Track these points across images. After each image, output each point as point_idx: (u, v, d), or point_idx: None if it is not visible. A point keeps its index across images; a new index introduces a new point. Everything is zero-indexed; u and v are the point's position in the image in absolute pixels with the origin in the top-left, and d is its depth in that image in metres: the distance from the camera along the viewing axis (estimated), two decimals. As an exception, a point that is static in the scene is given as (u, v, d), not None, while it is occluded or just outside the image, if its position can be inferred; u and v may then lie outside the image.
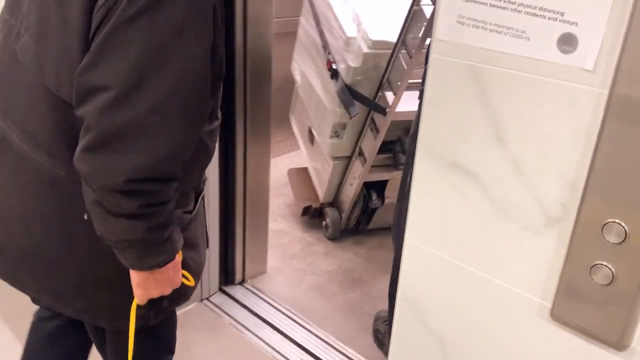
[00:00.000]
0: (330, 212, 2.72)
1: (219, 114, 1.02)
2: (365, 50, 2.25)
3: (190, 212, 1.04)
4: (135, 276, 0.94)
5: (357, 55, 2.27)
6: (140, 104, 0.77)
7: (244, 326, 2.13)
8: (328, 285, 2.44)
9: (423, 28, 2.06)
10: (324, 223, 2.78)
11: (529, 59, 0.76)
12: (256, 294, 2.33)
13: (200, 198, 1.08)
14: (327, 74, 2.43)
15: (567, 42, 0.72)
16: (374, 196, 2.65)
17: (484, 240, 0.87)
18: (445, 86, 0.85)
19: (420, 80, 2.24)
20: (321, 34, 2.46)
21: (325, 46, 2.44)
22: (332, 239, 2.75)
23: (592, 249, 0.74)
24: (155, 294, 0.97)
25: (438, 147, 0.88)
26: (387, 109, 2.26)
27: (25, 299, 1.10)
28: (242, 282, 2.39)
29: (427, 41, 2.09)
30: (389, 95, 2.29)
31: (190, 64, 0.79)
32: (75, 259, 0.96)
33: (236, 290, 2.34)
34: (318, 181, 2.75)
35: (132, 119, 0.77)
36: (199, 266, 1.11)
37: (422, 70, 2.21)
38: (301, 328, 2.15)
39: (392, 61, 2.22)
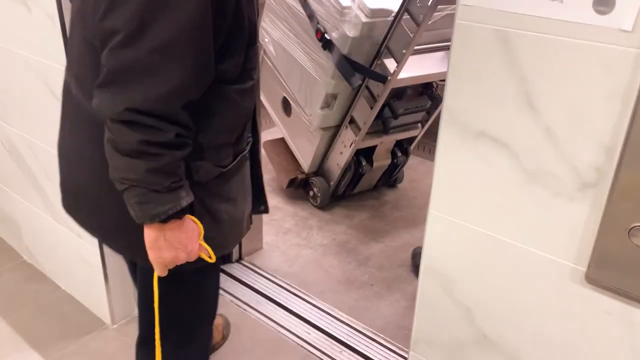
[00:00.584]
0: (317, 181, 2.71)
1: (254, 75, 1.06)
2: (364, 19, 2.20)
3: (225, 167, 1.08)
4: (146, 236, 0.98)
5: (354, 25, 2.22)
6: (143, 44, 0.85)
7: (246, 303, 2.12)
8: (325, 258, 2.44)
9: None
10: (311, 193, 2.77)
11: (562, 22, 0.74)
12: (255, 271, 2.32)
13: (240, 156, 1.12)
14: (316, 45, 2.38)
15: (604, 3, 0.71)
16: (364, 162, 2.67)
17: (514, 208, 0.86)
18: (472, 52, 0.83)
19: (422, 46, 2.21)
20: (305, 3, 2.40)
21: (312, 16, 2.37)
22: (321, 207, 2.76)
23: (631, 212, 0.74)
24: (168, 257, 1.00)
25: (464, 115, 0.87)
26: (389, 77, 2.23)
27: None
28: (239, 260, 2.37)
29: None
30: (388, 63, 2.26)
31: (188, 12, 0.85)
32: (114, 199, 0.99)
33: (234, 268, 2.32)
34: (301, 152, 2.72)
35: (135, 58, 0.85)
36: (233, 219, 1.14)
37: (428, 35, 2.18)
38: (303, 302, 2.16)
39: (393, 29, 2.19)
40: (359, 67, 2.30)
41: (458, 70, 0.86)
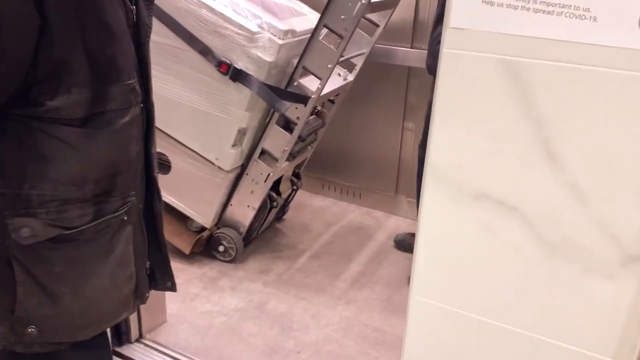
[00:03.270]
0: (226, 233, 2.43)
1: (117, 121, 0.90)
2: (280, 41, 2.13)
3: (69, 229, 0.89)
4: None
5: (270, 49, 2.12)
6: None
7: (151, 396, 1.74)
8: (242, 325, 2.12)
9: (358, 5, 2.02)
10: (221, 248, 2.46)
11: (594, 46, 0.56)
12: (160, 350, 1.93)
13: (107, 219, 0.94)
14: (215, 81, 2.16)
15: (653, 22, 0.53)
16: (274, 194, 2.51)
17: (529, 290, 0.66)
18: (467, 91, 0.63)
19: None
20: (192, 40, 2.16)
21: (206, 51, 2.15)
22: (234, 260, 2.47)
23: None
24: None
25: (458, 173, 0.65)
26: (312, 96, 2.19)
27: None
28: (139, 339, 1.98)
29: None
30: (306, 82, 2.23)
31: None
32: None
33: (134, 350, 1.92)
34: (197, 207, 2.43)
35: None
36: (92, 299, 0.96)
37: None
38: (221, 384, 1.82)
39: (310, 47, 2.17)
40: (280, 92, 2.21)
41: (447, 115, 0.65)
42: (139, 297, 1.10)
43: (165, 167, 2.35)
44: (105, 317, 1.02)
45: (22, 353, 0.95)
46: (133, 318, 1.96)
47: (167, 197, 2.45)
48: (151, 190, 1.08)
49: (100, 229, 0.93)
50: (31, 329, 0.92)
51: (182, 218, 2.45)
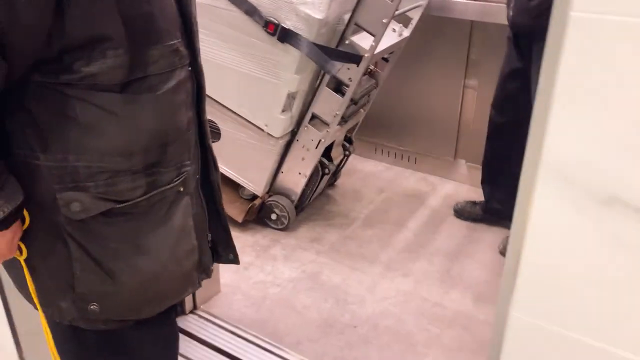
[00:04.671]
0: (278, 201, 2.35)
1: (160, 87, 0.83)
2: None
3: (121, 202, 0.86)
4: None
5: (319, 5, 1.96)
6: None
7: (206, 370, 1.72)
8: (296, 296, 2.06)
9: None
10: (273, 216, 2.39)
11: None
12: (214, 322, 1.90)
13: (160, 191, 0.89)
14: (262, 43, 2.04)
15: None
16: (326, 161, 2.40)
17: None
18: (604, 66, 0.49)
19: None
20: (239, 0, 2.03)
21: (252, 10, 2.02)
22: (287, 228, 2.40)
23: None
24: None
25: (584, 172, 0.52)
26: (366, 55, 2.04)
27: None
28: (193, 310, 1.95)
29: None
30: (358, 39, 2.10)
31: None
32: None
33: (189, 322, 1.90)
34: (249, 175, 2.34)
35: None
36: (151, 276, 0.91)
37: None
38: (278, 359, 1.78)
39: (361, 0, 2.02)
40: (331, 52, 2.06)
41: (574, 99, 0.51)
42: (204, 270, 1.05)
43: (215, 134, 2.27)
44: (168, 294, 0.97)
45: (87, 330, 0.94)
46: (186, 289, 1.93)
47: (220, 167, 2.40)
48: (206, 159, 1.03)
49: (154, 202, 0.89)
50: (93, 306, 0.90)
51: (234, 186, 2.39)
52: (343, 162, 2.64)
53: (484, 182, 2.44)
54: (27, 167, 0.82)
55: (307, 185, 2.36)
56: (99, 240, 0.87)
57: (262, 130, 2.20)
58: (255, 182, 2.34)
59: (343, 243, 2.37)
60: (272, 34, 2.00)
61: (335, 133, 2.30)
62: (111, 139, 0.82)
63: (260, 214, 2.41)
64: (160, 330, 1.04)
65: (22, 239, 0.88)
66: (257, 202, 2.36)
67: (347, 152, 2.58)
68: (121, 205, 0.85)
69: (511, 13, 2.04)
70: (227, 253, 1.11)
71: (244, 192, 2.41)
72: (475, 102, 2.61)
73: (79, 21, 0.74)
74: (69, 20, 0.74)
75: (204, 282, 1.83)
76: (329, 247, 2.34)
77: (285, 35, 1.99)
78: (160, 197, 0.89)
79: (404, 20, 2.40)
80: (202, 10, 2.05)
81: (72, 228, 0.85)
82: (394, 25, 2.37)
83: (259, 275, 2.16)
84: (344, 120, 2.31)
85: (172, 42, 0.84)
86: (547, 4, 1.93)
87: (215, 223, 1.08)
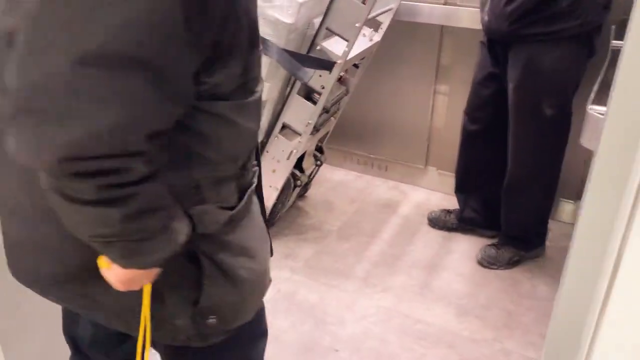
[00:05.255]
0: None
1: (256, 88, 0.83)
2: (300, 0, 1.87)
3: (232, 208, 0.86)
4: (119, 273, 0.80)
5: (288, 9, 1.86)
6: (60, 51, 0.60)
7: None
8: (272, 320, 1.93)
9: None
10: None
11: None
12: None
13: (248, 192, 0.90)
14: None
15: None
16: (298, 172, 2.31)
17: None
18: None
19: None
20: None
21: None
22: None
23: None
24: (117, 286, 0.82)
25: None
26: (339, 61, 1.95)
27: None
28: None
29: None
30: (329, 45, 2.01)
31: (135, 8, 0.61)
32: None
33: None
34: None
35: (51, 72, 0.61)
36: (255, 275, 0.92)
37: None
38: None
39: (333, 3, 1.96)
40: (303, 58, 1.96)
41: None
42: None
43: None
44: (261, 296, 0.99)
45: (196, 350, 0.93)
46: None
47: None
48: (257, 157, 1.02)
49: (246, 204, 0.90)
50: (212, 319, 0.90)
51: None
52: (314, 172, 2.54)
53: (458, 190, 2.39)
54: None
55: (278, 198, 2.24)
56: (224, 251, 0.87)
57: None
58: (222, 198, 2.21)
59: (318, 258, 2.27)
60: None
61: (307, 143, 2.19)
62: (225, 147, 0.82)
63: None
64: (259, 326, 1.07)
65: None
66: (226, 218, 2.22)
67: (318, 162, 2.49)
68: (233, 211, 0.86)
69: (486, 18, 1.98)
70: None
71: (210, 208, 2.27)
72: (447, 108, 2.56)
73: (231, 26, 0.73)
74: (227, 25, 0.72)
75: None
76: (304, 264, 2.23)
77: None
78: (247, 198, 0.90)
79: (374, 24, 2.32)
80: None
81: (203, 243, 0.84)
82: (365, 30, 2.28)
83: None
84: (315, 129, 2.21)
85: (260, 48, 0.86)
86: (522, 10, 1.92)
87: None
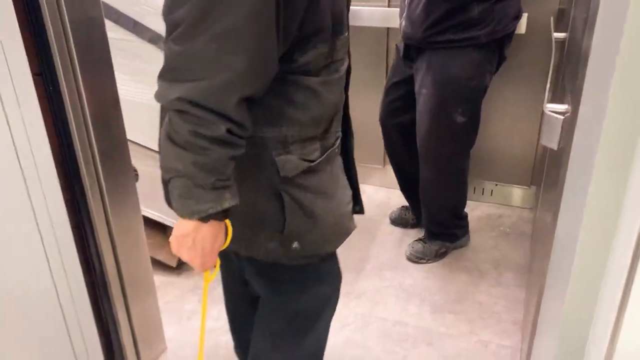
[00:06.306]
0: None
1: (341, 67, 1.08)
2: None
3: (312, 161, 1.09)
4: (178, 228, 0.99)
5: None
6: (200, 35, 0.87)
7: None
8: (250, 339, 1.92)
9: None
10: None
11: None
12: (166, 388, 1.72)
13: (329, 151, 1.12)
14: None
15: None
16: None
17: None
18: None
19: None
20: (140, 29, 1.84)
21: (157, 38, 1.85)
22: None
23: None
24: (184, 256, 1.02)
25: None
26: None
27: None
28: (139, 376, 1.76)
29: None
30: None
31: (247, 5, 0.86)
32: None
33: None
34: (174, 214, 2.13)
35: (191, 48, 0.88)
36: (330, 214, 1.14)
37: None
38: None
39: None
40: None
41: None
42: (357, 211, 1.28)
43: (134, 176, 2.04)
44: (345, 230, 1.20)
45: (286, 266, 1.15)
46: (130, 351, 1.73)
47: (141, 209, 2.16)
48: (348, 126, 1.23)
49: (326, 160, 1.11)
50: (295, 245, 1.11)
51: (160, 229, 2.19)
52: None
53: (400, 189, 2.49)
54: (255, 140, 1.00)
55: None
56: (302, 192, 1.08)
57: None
58: (184, 221, 2.15)
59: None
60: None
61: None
62: (311, 112, 1.04)
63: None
64: (335, 263, 1.29)
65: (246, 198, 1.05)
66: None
67: None
68: (313, 164, 1.08)
69: (404, 23, 2.02)
70: (355, 205, 1.26)
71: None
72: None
73: (311, 15, 0.94)
74: (307, 15, 0.93)
75: (148, 342, 1.81)
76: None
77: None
78: (328, 157, 1.12)
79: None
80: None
81: (285, 184, 1.06)
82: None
83: (206, 323, 1.99)
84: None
85: (346, 34, 1.06)
86: (435, 17, 1.94)
87: (349, 179, 1.25)
